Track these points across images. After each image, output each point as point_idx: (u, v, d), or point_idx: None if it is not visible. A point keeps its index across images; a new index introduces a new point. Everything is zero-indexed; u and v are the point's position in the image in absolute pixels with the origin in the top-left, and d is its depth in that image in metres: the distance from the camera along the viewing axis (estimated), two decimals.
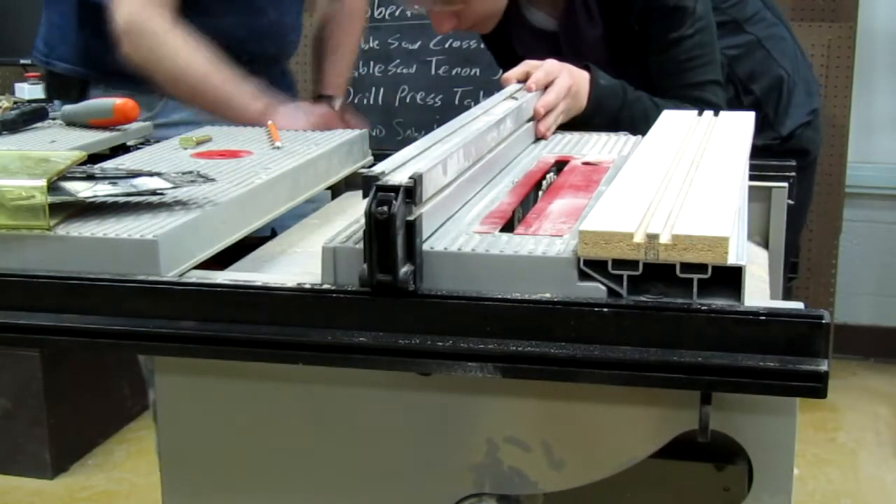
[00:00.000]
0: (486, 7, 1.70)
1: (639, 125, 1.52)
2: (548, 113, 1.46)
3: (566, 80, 1.50)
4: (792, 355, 0.84)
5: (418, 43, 3.29)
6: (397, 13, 3.28)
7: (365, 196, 0.90)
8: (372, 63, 3.31)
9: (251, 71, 1.72)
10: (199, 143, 1.39)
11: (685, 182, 1.05)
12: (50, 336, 0.96)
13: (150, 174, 1.10)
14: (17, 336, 0.97)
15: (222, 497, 1.04)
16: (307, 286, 0.92)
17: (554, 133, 1.48)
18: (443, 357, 0.89)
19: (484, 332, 0.88)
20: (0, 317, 0.96)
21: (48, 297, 0.95)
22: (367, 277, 0.89)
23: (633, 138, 1.43)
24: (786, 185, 1.37)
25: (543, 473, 0.97)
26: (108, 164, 1.25)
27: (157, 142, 1.51)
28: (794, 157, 1.51)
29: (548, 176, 1.26)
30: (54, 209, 1.01)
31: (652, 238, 0.87)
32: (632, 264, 0.88)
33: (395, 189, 0.89)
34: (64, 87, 1.89)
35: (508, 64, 1.63)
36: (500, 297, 0.88)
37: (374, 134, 3.19)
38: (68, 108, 1.58)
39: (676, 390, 0.88)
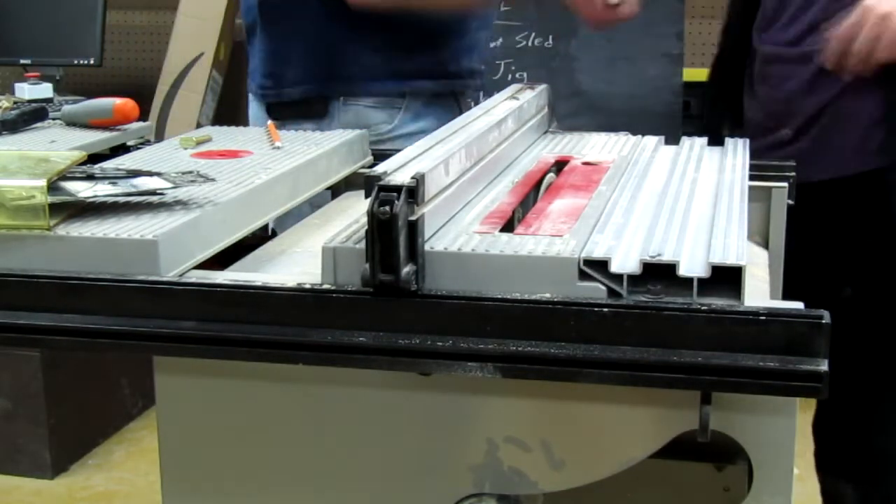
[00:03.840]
0: None
1: None
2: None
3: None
4: (792, 355, 0.84)
5: None
6: None
7: (367, 196, 0.90)
8: None
9: (479, 31, 1.81)
10: (199, 143, 1.39)
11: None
12: (50, 336, 0.96)
13: (150, 174, 1.10)
14: (17, 336, 0.96)
15: (222, 497, 1.04)
16: (307, 286, 0.92)
17: (554, 133, 1.48)
18: (443, 357, 0.89)
19: (484, 332, 0.88)
20: (0, 317, 0.96)
21: (48, 297, 0.95)
22: (369, 277, 0.89)
23: (632, 138, 1.43)
24: (786, 185, 1.37)
25: (543, 473, 0.97)
26: (108, 164, 1.25)
27: None
28: None
29: (548, 176, 1.26)
30: (54, 209, 1.01)
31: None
32: (632, 264, 0.88)
33: (397, 189, 0.89)
34: (301, 114, 1.76)
35: None
36: (500, 297, 0.88)
37: None
38: (68, 108, 1.58)
39: (676, 390, 0.88)
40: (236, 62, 3.51)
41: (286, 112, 1.77)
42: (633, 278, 0.88)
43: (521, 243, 0.94)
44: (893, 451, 1.71)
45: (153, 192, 1.08)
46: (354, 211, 1.27)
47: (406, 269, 0.88)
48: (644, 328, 0.86)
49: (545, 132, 1.49)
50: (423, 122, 1.77)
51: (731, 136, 1.39)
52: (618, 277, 0.88)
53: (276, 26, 1.80)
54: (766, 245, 1.37)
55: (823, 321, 0.83)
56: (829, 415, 1.65)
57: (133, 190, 1.07)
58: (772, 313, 0.84)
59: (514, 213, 1.09)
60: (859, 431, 1.69)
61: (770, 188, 1.37)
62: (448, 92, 1.82)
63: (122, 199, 1.08)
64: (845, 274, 1.60)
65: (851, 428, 1.69)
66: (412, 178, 0.92)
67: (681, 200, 1.10)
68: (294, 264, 1.13)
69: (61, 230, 0.99)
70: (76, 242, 0.98)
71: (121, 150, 1.48)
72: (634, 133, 1.45)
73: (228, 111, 3.53)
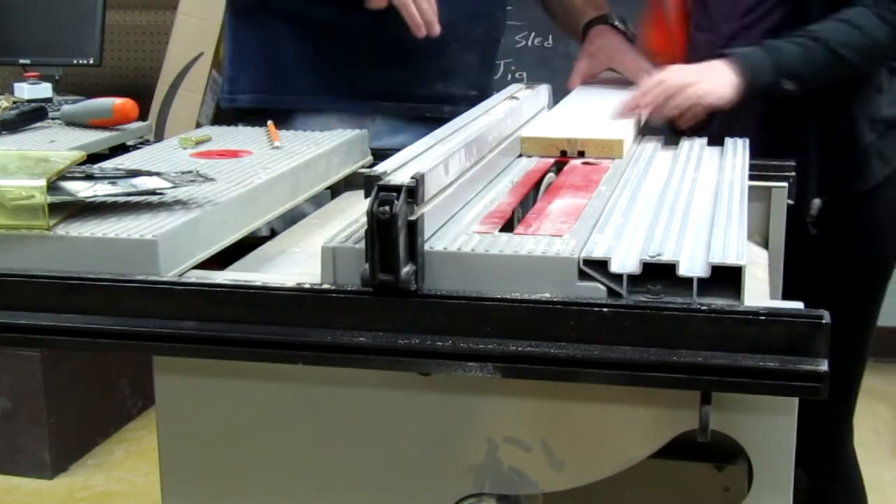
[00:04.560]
0: None
1: (832, 66, 1.49)
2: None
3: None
4: (792, 355, 0.84)
5: None
6: None
7: (367, 196, 0.90)
8: None
9: (463, 54, 1.65)
10: (199, 142, 1.39)
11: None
12: (50, 336, 0.96)
13: (150, 174, 1.10)
14: (17, 336, 0.97)
15: (222, 497, 1.04)
16: (307, 286, 0.92)
17: None
18: (443, 357, 0.89)
19: (484, 332, 0.88)
20: (0, 317, 0.96)
21: (48, 297, 0.95)
22: (369, 277, 0.89)
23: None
24: (786, 185, 1.37)
25: (543, 473, 0.97)
26: (108, 164, 1.25)
27: None
28: None
29: (548, 176, 1.26)
30: (54, 209, 1.01)
31: None
32: (632, 264, 0.88)
33: (397, 189, 0.89)
34: (260, 124, 1.52)
35: None
36: (500, 297, 0.88)
37: None
38: (68, 107, 1.58)
39: (676, 390, 0.88)
40: None
41: (246, 121, 1.57)
42: (632, 278, 0.88)
43: (521, 243, 0.94)
44: (839, 439, 1.73)
45: (153, 192, 1.08)
46: (354, 211, 1.27)
47: (406, 269, 0.88)
48: (644, 328, 0.86)
49: None
50: (399, 138, 1.61)
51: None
52: (618, 277, 0.88)
53: (240, 27, 1.70)
54: (766, 245, 1.37)
55: (823, 321, 0.83)
56: None
57: (133, 190, 1.07)
58: (772, 313, 0.84)
59: (513, 213, 1.09)
60: (808, 420, 1.71)
61: (770, 188, 1.37)
62: (415, 116, 1.67)
63: (121, 199, 1.08)
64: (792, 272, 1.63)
65: (801, 417, 1.71)
66: (412, 178, 0.91)
67: (681, 200, 1.10)
68: (294, 264, 1.13)
69: (61, 230, 0.99)
70: (76, 242, 0.98)
71: (120, 150, 1.48)
72: None
73: (228, 111, 3.52)
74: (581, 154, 1.31)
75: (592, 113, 1.49)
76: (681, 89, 1.43)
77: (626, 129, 1.36)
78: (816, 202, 1.60)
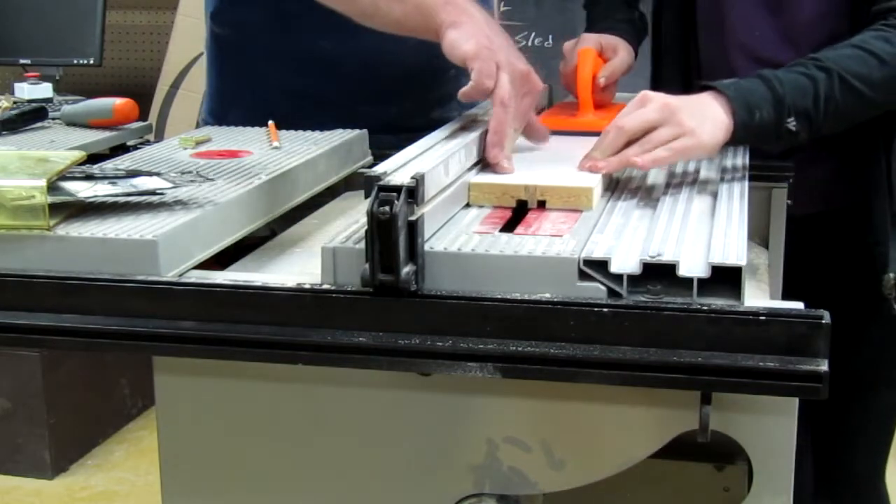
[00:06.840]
0: None
1: (845, 97, 1.24)
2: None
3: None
4: (792, 355, 0.84)
5: None
6: None
7: (367, 196, 0.90)
8: None
9: (460, 78, 1.46)
10: (199, 143, 1.39)
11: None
12: (50, 336, 0.96)
13: (150, 174, 1.10)
14: (17, 336, 0.96)
15: (222, 497, 1.04)
16: (307, 286, 0.92)
17: None
18: (443, 357, 0.89)
19: (484, 332, 0.88)
20: (0, 317, 0.96)
21: (48, 297, 0.95)
22: (369, 278, 0.89)
23: None
24: (786, 185, 1.37)
25: (543, 473, 0.97)
26: (108, 164, 1.25)
27: None
28: None
29: None
30: (54, 209, 1.01)
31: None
32: (632, 264, 0.88)
33: (397, 189, 0.89)
34: None
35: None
36: (500, 297, 0.88)
37: None
38: (68, 108, 1.58)
39: (676, 390, 0.88)
40: None
41: None
42: (633, 278, 0.88)
43: (521, 243, 0.94)
44: (873, 476, 1.71)
45: (153, 192, 1.08)
46: (354, 211, 1.27)
47: (406, 270, 0.88)
48: (644, 328, 0.86)
49: None
50: None
51: None
52: (618, 277, 0.88)
53: (225, 64, 1.68)
54: (766, 245, 1.37)
55: (823, 321, 0.83)
56: (809, 433, 1.65)
57: (133, 190, 1.07)
58: (772, 313, 0.84)
59: (513, 213, 1.09)
60: (844, 457, 1.69)
61: (770, 188, 1.37)
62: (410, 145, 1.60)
63: (121, 199, 1.08)
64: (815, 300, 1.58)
65: (826, 446, 1.69)
66: (412, 178, 0.92)
67: (681, 200, 1.10)
68: (294, 264, 1.13)
69: (61, 230, 0.99)
70: (76, 242, 0.98)
71: (120, 150, 1.48)
72: None
73: None
74: (542, 204, 1.08)
75: (557, 152, 1.26)
76: (655, 144, 1.14)
77: (595, 175, 1.13)
78: (891, 277, 1.38)
